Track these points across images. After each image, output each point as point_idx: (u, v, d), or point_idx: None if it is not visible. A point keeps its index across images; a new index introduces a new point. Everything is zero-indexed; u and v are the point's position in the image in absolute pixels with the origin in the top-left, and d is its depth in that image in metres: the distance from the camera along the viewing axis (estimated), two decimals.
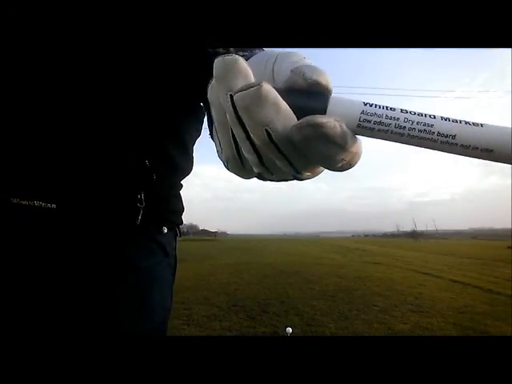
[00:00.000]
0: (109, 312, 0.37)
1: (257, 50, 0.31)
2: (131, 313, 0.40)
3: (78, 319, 0.35)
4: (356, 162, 0.19)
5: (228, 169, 0.22)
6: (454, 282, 5.21)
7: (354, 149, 0.18)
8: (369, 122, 0.17)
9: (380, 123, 0.17)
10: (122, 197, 0.37)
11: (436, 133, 0.17)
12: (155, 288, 0.43)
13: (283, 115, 0.16)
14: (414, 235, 40.52)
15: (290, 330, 2.20)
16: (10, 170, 0.34)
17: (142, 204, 0.37)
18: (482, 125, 0.17)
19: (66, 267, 0.35)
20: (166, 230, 0.43)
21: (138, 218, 0.37)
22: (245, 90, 0.16)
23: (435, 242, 29.96)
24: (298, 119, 0.17)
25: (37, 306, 0.34)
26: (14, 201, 0.33)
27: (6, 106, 0.35)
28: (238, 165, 0.21)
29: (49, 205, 0.34)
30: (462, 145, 0.17)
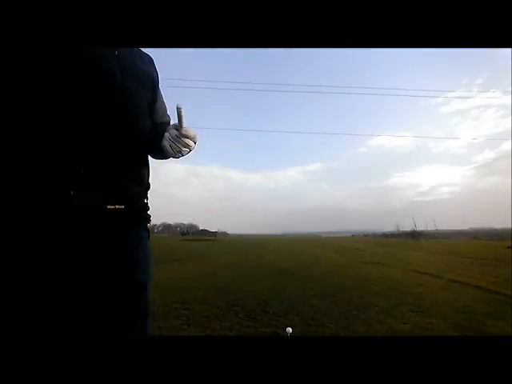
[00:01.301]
0: (133, 267, 0.71)
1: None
2: (143, 270, 0.74)
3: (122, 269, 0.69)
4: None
5: (174, 155, 0.74)
6: (454, 282, 5.21)
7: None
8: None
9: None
10: (145, 198, 0.80)
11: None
12: (149, 259, 0.77)
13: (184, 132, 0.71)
14: (414, 235, 40.45)
15: (290, 330, 2.19)
16: (106, 190, 0.67)
17: (147, 200, 0.80)
18: None
19: (123, 240, 0.71)
20: (149, 225, 0.81)
21: (148, 209, 0.80)
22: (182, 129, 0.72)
23: (435, 242, 29.93)
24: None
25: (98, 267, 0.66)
26: (108, 206, 0.67)
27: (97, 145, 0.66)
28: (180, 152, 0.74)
29: (122, 206, 0.70)
30: None
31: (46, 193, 0.58)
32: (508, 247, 15.46)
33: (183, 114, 0.67)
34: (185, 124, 0.70)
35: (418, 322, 2.74)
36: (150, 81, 0.81)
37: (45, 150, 0.57)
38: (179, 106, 0.66)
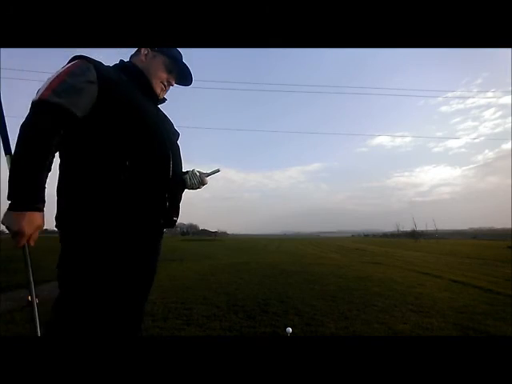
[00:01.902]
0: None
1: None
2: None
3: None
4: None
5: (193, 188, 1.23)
6: (454, 281, 5.21)
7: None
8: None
9: None
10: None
11: None
12: None
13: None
14: (414, 235, 40.40)
15: (290, 330, 2.19)
16: (174, 208, 1.11)
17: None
18: None
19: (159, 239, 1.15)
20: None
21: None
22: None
23: (435, 242, 29.90)
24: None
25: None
26: (174, 218, 1.11)
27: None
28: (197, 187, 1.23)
29: (175, 218, 1.12)
30: None
31: (153, 208, 1.00)
32: (508, 247, 15.46)
33: (216, 174, 1.22)
34: (209, 177, 1.21)
35: (418, 322, 2.74)
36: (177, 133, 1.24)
37: (156, 185, 0.99)
38: (220, 169, 1.22)
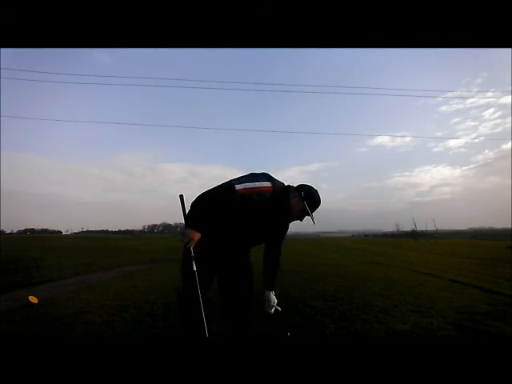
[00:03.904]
0: None
1: None
2: None
3: None
4: None
5: None
6: (454, 282, 5.21)
7: None
8: None
9: None
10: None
11: None
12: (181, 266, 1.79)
13: None
14: (414, 235, 40.40)
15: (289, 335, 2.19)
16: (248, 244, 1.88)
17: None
18: None
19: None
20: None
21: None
22: None
23: (435, 242, 29.91)
24: None
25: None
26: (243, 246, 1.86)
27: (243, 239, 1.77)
28: None
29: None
30: None
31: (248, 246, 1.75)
32: (508, 247, 15.46)
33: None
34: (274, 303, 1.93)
35: (418, 322, 2.74)
36: None
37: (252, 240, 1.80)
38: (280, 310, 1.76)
